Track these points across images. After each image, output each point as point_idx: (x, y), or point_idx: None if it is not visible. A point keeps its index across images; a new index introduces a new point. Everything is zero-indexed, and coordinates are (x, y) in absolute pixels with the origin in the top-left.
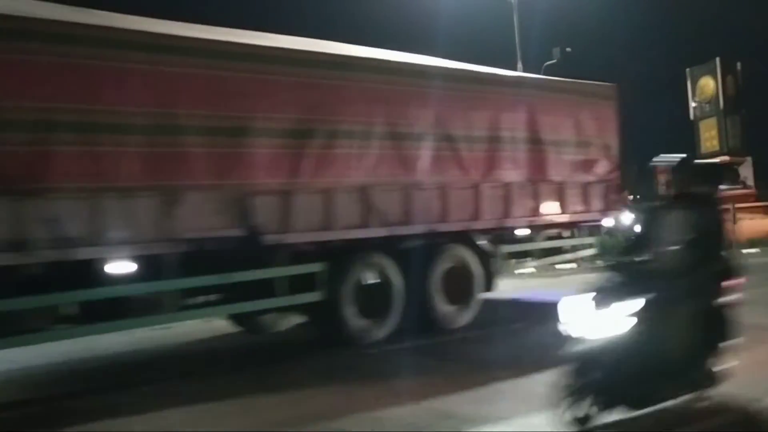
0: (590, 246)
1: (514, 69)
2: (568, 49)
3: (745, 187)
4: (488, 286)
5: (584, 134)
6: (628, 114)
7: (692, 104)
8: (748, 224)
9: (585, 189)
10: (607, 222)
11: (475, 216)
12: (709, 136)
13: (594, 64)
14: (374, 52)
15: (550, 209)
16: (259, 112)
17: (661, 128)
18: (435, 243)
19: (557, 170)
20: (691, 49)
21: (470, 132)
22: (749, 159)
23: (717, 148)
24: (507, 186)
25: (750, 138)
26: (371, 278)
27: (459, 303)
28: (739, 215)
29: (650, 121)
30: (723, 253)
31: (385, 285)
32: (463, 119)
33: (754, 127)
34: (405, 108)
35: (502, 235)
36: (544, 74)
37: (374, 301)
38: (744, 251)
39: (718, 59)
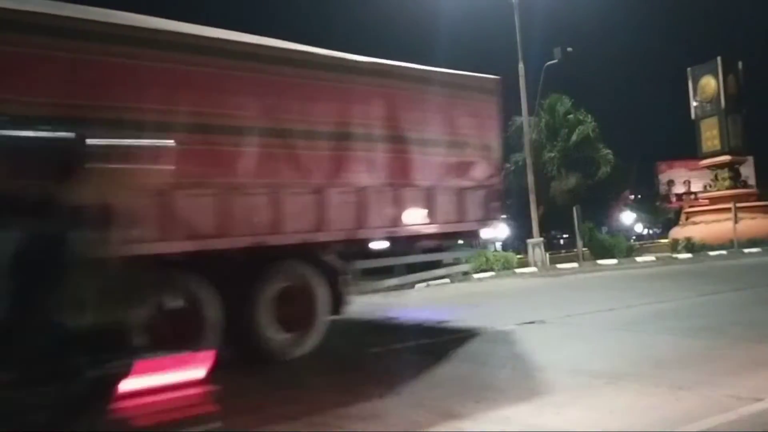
0: (466, 260)
1: (516, 69)
2: (569, 49)
3: (746, 186)
4: (336, 309)
5: (458, 133)
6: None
7: (693, 103)
8: (749, 224)
9: (460, 195)
10: (487, 232)
11: (319, 226)
12: (710, 135)
13: (596, 63)
14: (178, 26)
15: (417, 218)
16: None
17: (663, 127)
18: (265, 259)
19: (425, 173)
20: (693, 48)
21: (311, 126)
22: (751, 158)
23: (718, 147)
24: (361, 191)
25: (752, 137)
26: (175, 303)
27: (297, 329)
28: (740, 215)
29: (651, 120)
30: (90, 313)
31: (194, 311)
32: (301, 111)
33: (757, 127)
34: (220, 95)
35: (355, 248)
36: (545, 74)
37: (180, 330)
38: (745, 251)
39: (719, 58)
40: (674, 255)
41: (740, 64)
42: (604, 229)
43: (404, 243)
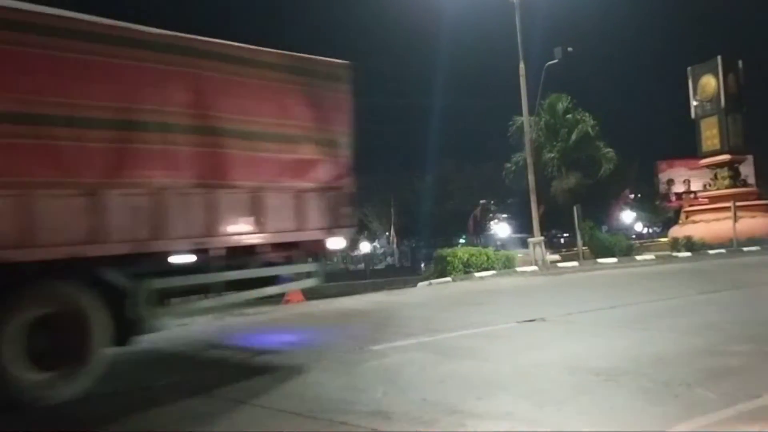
0: (309, 275)
1: (516, 69)
2: (570, 49)
3: (746, 185)
4: (123, 338)
5: (294, 125)
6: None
7: (693, 103)
8: (749, 222)
9: (298, 199)
10: (336, 242)
11: (93, 237)
12: (710, 134)
13: (596, 63)
14: None
15: (238, 226)
16: None
17: (663, 127)
18: (11, 278)
19: (248, 172)
20: (693, 47)
21: (75, 111)
22: (750, 157)
23: (718, 146)
24: (156, 193)
25: (752, 136)
26: None
27: (62, 366)
28: (739, 213)
29: (651, 119)
30: None
31: None
32: (62, 92)
33: (756, 126)
34: None
35: (151, 263)
36: (545, 75)
37: None
38: (744, 249)
39: (719, 57)
40: (674, 254)
41: (740, 63)
42: (604, 228)
43: (222, 256)
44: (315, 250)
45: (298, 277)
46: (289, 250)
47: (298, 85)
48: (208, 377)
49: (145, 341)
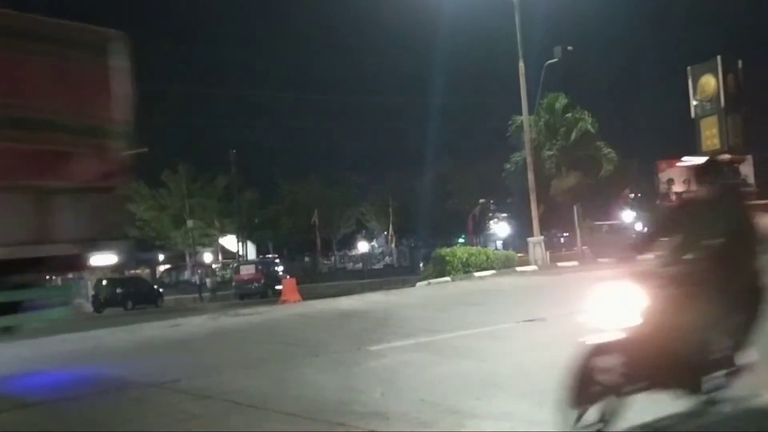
0: (56, 300)
1: (516, 68)
2: (570, 48)
3: (746, 185)
4: None
5: (32, 106)
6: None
7: (693, 102)
8: None
9: (41, 202)
10: (102, 258)
11: None
12: (710, 134)
13: (596, 62)
14: None
15: None
16: None
17: (663, 126)
18: None
19: None
20: (693, 47)
21: None
22: (750, 157)
23: (718, 146)
24: None
25: (751, 136)
26: None
27: None
28: None
29: (651, 119)
30: None
31: None
32: None
33: (756, 126)
34: None
35: None
36: (545, 74)
37: None
38: None
39: (719, 57)
40: None
41: (740, 63)
42: (604, 228)
43: None
44: (71, 268)
45: (46, 303)
46: (32, 269)
47: (36, 55)
48: None
49: None
